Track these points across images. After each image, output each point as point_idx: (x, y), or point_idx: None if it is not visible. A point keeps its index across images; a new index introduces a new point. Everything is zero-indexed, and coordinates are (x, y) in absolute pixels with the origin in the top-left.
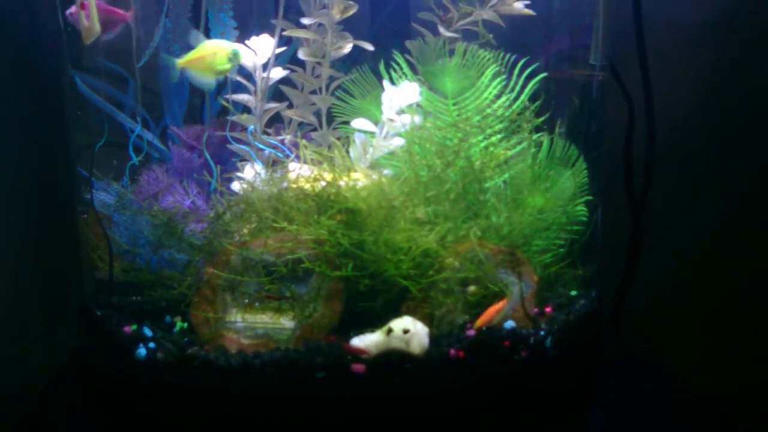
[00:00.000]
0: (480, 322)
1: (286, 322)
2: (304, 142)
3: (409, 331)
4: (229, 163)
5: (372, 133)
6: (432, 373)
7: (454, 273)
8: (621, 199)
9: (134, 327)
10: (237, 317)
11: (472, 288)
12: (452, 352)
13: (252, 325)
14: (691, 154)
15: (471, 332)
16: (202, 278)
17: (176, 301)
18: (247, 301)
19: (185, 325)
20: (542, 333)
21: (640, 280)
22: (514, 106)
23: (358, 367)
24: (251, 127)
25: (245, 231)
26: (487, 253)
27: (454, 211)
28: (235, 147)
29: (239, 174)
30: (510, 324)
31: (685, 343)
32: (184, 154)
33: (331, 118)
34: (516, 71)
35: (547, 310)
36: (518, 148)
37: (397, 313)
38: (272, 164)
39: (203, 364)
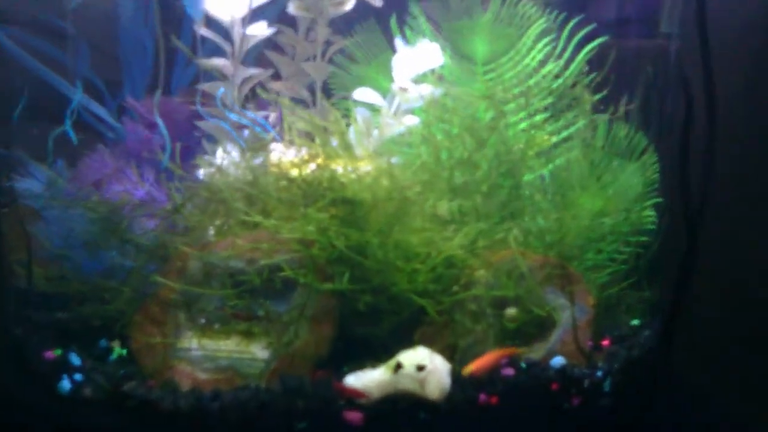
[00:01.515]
0: (472, 367)
1: (259, 352)
2: (293, 109)
3: (425, 367)
4: (198, 145)
5: (379, 108)
6: (455, 426)
7: (487, 290)
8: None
9: (58, 352)
10: (192, 343)
11: (510, 311)
12: (482, 397)
13: (213, 354)
14: (751, 160)
15: (508, 371)
16: (149, 291)
17: (114, 320)
18: (206, 321)
19: (125, 351)
20: (599, 374)
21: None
22: (563, 77)
23: (354, 416)
24: (221, 91)
25: (210, 229)
26: (531, 266)
27: (487, 208)
28: (205, 123)
29: (207, 156)
30: (559, 361)
31: (739, 370)
32: (140, 133)
33: (328, 94)
34: (566, 33)
35: (605, 343)
36: (568, 131)
37: (409, 343)
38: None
39: (142, 405)
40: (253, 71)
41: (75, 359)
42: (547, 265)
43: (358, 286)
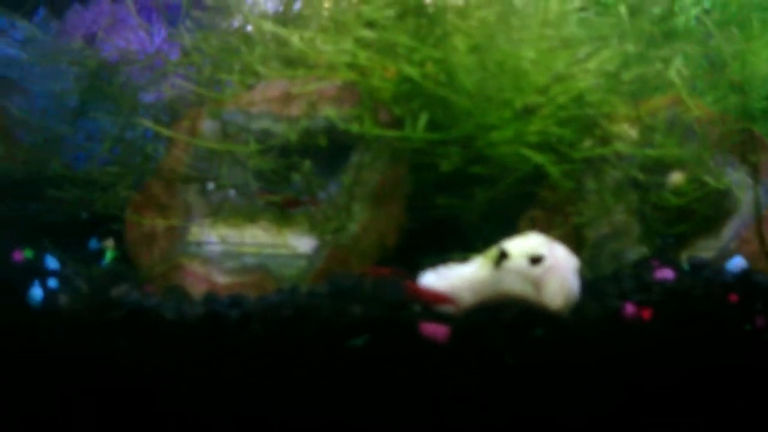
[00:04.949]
0: None
1: (300, 242)
2: None
3: (542, 260)
4: None
5: None
6: (585, 349)
7: (638, 147)
8: None
9: (29, 253)
10: (208, 234)
11: (676, 177)
12: (628, 309)
13: (236, 248)
14: None
15: (664, 273)
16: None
17: (107, 213)
18: (224, 199)
19: (118, 254)
20: None
21: None
22: None
23: (436, 330)
24: None
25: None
26: (700, 121)
27: (634, 28)
28: None
29: None
30: (738, 263)
31: None
32: None
33: None
34: None
35: None
36: None
37: (515, 227)
38: None
39: (133, 316)
40: None
41: (52, 262)
42: (722, 123)
43: (439, 135)
